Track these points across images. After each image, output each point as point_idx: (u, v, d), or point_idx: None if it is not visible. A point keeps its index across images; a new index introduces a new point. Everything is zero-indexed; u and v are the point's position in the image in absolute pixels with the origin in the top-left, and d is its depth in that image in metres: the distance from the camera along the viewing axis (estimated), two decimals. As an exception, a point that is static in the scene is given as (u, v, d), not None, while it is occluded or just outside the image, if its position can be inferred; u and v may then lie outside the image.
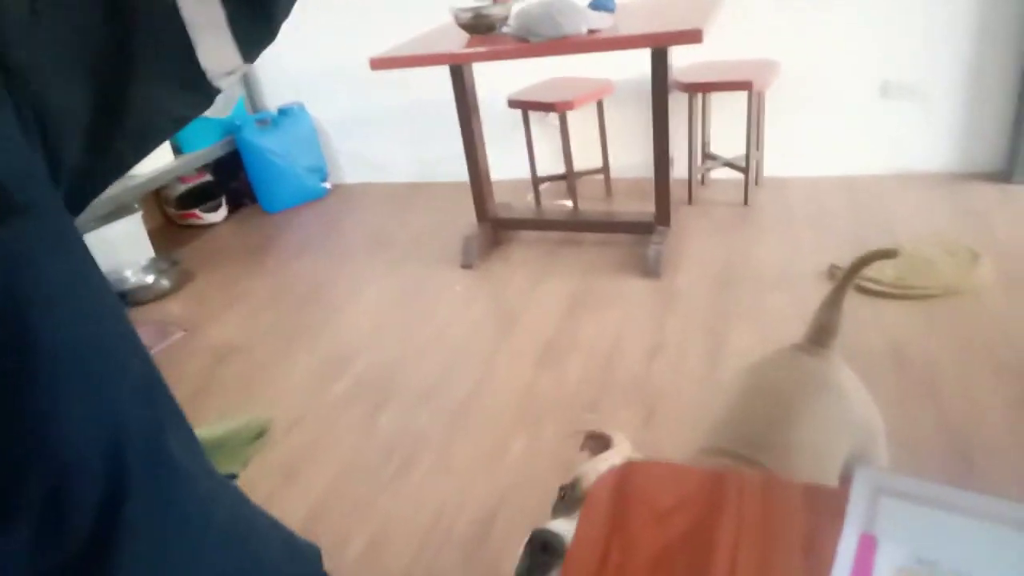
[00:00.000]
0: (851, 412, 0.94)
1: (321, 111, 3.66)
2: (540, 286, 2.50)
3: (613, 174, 3.15)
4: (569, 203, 2.99)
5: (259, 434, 1.69)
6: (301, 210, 3.56)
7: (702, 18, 2.06)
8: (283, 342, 2.41)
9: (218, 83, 0.49)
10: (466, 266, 2.69)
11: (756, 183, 2.97)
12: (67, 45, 0.42)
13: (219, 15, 0.46)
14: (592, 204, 3.04)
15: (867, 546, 0.42)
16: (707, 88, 2.64)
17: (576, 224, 2.76)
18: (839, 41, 2.74)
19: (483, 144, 2.69)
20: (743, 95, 2.69)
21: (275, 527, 0.67)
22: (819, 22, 2.73)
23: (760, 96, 2.80)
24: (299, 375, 2.21)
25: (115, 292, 0.47)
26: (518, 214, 2.84)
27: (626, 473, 0.50)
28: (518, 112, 2.97)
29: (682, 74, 2.73)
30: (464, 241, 2.71)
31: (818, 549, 0.43)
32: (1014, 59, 2.59)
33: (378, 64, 2.33)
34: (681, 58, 2.84)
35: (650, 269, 2.41)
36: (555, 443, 1.75)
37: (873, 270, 2.18)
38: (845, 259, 2.25)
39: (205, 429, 1.61)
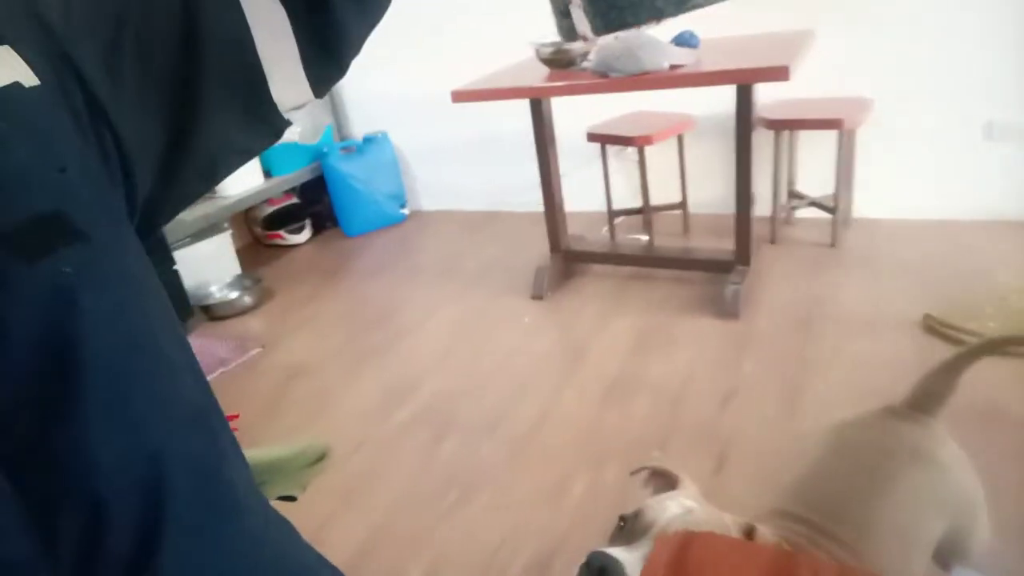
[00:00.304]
0: (949, 489, 0.83)
1: (403, 139, 3.76)
2: (610, 321, 2.45)
3: (691, 210, 3.07)
4: (644, 238, 2.94)
5: (319, 458, 1.70)
6: (379, 234, 3.65)
7: (790, 55, 1.99)
8: (351, 364, 2.45)
9: (287, 116, 0.49)
10: (536, 297, 2.67)
11: (845, 224, 2.83)
12: (145, 77, 0.43)
13: (292, 51, 0.47)
14: (668, 240, 2.98)
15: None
16: (794, 125, 2.55)
17: (650, 259, 2.70)
18: (938, 78, 2.60)
19: (559, 176, 2.69)
20: (832, 133, 2.59)
21: (323, 566, 0.66)
22: (916, 57, 2.60)
23: (851, 134, 2.68)
24: (363, 399, 2.24)
25: (179, 323, 0.47)
26: (591, 247, 2.81)
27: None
28: (596, 145, 2.96)
29: (768, 111, 2.65)
30: (536, 272, 2.70)
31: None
32: None
33: (459, 97, 2.37)
34: (767, 93, 2.76)
35: (727, 309, 2.33)
36: (618, 484, 1.69)
37: (974, 323, 2.03)
38: (941, 308, 2.11)
39: (265, 450, 1.64)
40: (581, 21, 0.35)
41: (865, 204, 2.86)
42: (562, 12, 0.37)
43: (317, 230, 3.76)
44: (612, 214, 3.06)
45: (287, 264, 3.48)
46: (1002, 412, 1.71)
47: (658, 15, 0.33)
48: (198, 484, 0.44)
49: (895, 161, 2.77)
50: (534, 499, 1.69)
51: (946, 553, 0.78)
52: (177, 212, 0.52)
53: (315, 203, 3.73)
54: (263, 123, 0.49)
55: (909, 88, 2.64)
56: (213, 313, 2.95)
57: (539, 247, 2.84)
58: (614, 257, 2.77)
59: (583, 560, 0.59)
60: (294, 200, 3.68)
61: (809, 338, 2.15)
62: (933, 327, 2.06)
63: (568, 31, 0.38)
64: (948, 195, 2.74)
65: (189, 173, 0.48)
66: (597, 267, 2.86)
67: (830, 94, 2.73)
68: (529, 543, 1.56)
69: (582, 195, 3.33)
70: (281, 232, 3.62)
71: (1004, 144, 2.60)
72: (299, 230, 3.65)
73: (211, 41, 0.44)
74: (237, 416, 2.20)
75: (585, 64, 2.29)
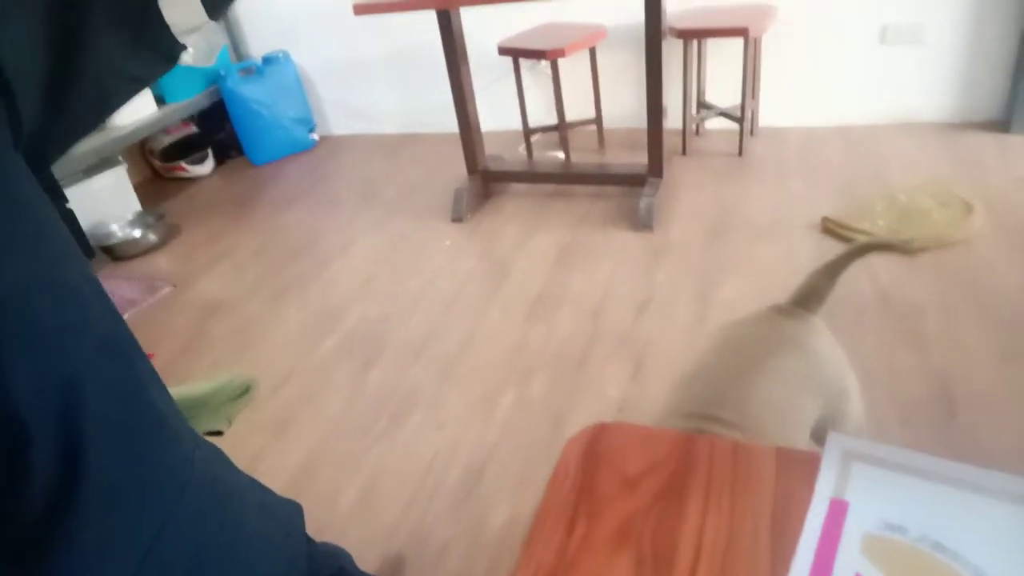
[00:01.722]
0: (821, 373, 0.92)
1: (307, 59, 3.56)
2: (531, 239, 2.48)
3: (606, 124, 3.09)
4: (561, 155, 2.95)
5: (243, 391, 1.69)
6: (288, 162, 3.51)
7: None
8: (271, 297, 2.40)
9: (184, 40, 0.47)
10: (456, 219, 2.66)
11: (752, 133, 2.92)
12: None
13: None
14: (585, 156, 3.00)
15: (837, 511, 0.41)
16: (702, 34, 2.57)
17: (568, 176, 2.72)
18: (839, -16, 2.66)
19: (472, 94, 2.63)
20: (739, 42, 2.62)
21: (256, 488, 0.67)
22: (819, -36, 2.64)
23: (756, 43, 2.72)
24: (288, 330, 2.21)
25: (81, 254, 0.46)
26: (509, 166, 2.80)
27: (597, 435, 0.50)
28: (509, 60, 2.89)
29: (677, 20, 2.65)
30: (454, 194, 2.68)
31: (789, 514, 0.42)
32: (1016, 7, 2.51)
33: (361, 9, 2.25)
34: (676, 3, 2.75)
35: (642, 221, 2.39)
36: (543, 395, 1.76)
37: (867, 222, 2.17)
38: (838, 210, 2.24)
39: (188, 387, 1.61)
40: None
41: (771, 113, 2.96)
42: None
43: (221, 160, 3.57)
44: (528, 132, 3.04)
45: (191, 198, 3.31)
46: (889, 302, 1.87)
47: None
48: (118, 407, 0.44)
49: (797, 70, 2.85)
50: (464, 415, 1.75)
51: (822, 432, 0.87)
52: (69, 145, 0.50)
53: (216, 131, 3.53)
54: (154, 48, 0.46)
55: (811, -6, 2.70)
56: (116, 253, 2.80)
57: (458, 169, 2.81)
58: (532, 176, 2.77)
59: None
60: (193, 129, 3.46)
61: (718, 245, 2.25)
62: (830, 228, 2.20)
63: None
64: (847, 101, 2.86)
65: (77, 101, 0.46)
66: (516, 186, 2.86)
67: (736, 2, 2.75)
68: (461, 456, 1.62)
69: (498, 113, 3.28)
70: (182, 164, 3.42)
71: (897, 47, 2.71)
72: (201, 160, 3.45)
73: None
74: (152, 356, 2.13)
75: (493, -26, 2.20)
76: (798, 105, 2.92)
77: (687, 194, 2.58)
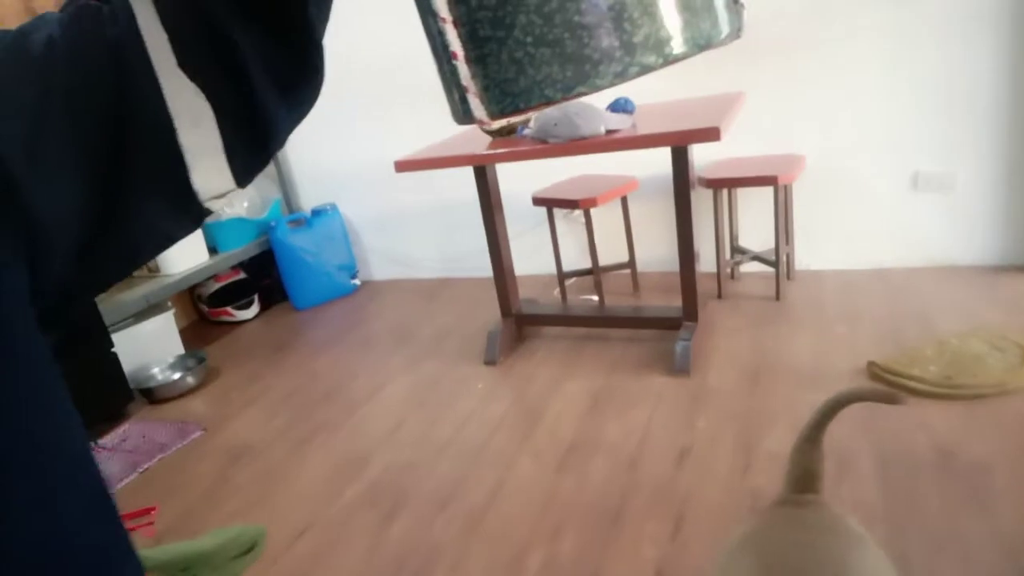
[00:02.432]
0: (877, 556, 0.79)
1: (353, 211, 3.76)
2: (564, 384, 2.42)
3: (640, 268, 3.11)
4: (595, 298, 2.95)
5: (250, 547, 1.61)
6: (329, 306, 3.60)
7: (720, 116, 2.07)
8: (298, 443, 2.36)
9: (208, 205, 0.48)
10: (489, 363, 2.64)
11: (789, 277, 2.90)
12: (66, 156, 0.41)
13: (216, 141, 0.45)
14: (619, 299, 3.00)
15: None
16: (730, 184, 2.63)
17: (601, 320, 2.70)
18: (867, 133, 2.73)
19: (506, 240, 2.70)
20: (769, 189, 2.67)
21: None
22: (846, 115, 2.73)
23: (786, 190, 2.77)
24: (310, 479, 2.14)
25: (75, 413, 0.44)
26: (542, 310, 2.81)
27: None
28: (543, 210, 3.00)
29: (706, 171, 2.74)
30: (487, 337, 2.67)
31: None
32: (1048, 150, 2.53)
33: (403, 167, 2.38)
34: (705, 155, 2.85)
35: (678, 365, 2.32)
36: (574, 554, 1.63)
37: (917, 368, 2.06)
38: (883, 355, 2.15)
39: (189, 543, 1.54)
40: (477, 107, 0.35)
41: (807, 257, 2.94)
42: (459, 98, 0.37)
43: (266, 305, 3.69)
44: (562, 276, 3.08)
45: (234, 341, 3.39)
46: (949, 459, 1.72)
47: (547, 100, 0.33)
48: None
49: (830, 215, 2.87)
50: (489, 576, 1.62)
51: None
52: (90, 300, 0.50)
53: (264, 278, 3.67)
54: (184, 211, 0.47)
55: (839, 144, 2.77)
56: (154, 396, 2.83)
57: (492, 312, 2.83)
58: (565, 319, 2.77)
59: None
60: (241, 275, 3.61)
61: (759, 391, 2.15)
62: (878, 374, 2.09)
63: (463, 115, 0.37)
64: (883, 244, 2.83)
65: (109, 258, 0.47)
66: (550, 329, 2.85)
67: (764, 152, 2.84)
68: (484, 625, 1.48)
69: (532, 259, 3.36)
70: (228, 308, 3.54)
71: (930, 193, 2.72)
72: (247, 306, 3.57)
73: (136, 125, 0.43)
74: (155, 509, 2.09)
75: (525, 131, 2.34)
76: (835, 249, 2.91)
77: (724, 339, 2.52)
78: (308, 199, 3.83)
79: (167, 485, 2.24)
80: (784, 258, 2.79)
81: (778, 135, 2.84)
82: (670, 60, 0.31)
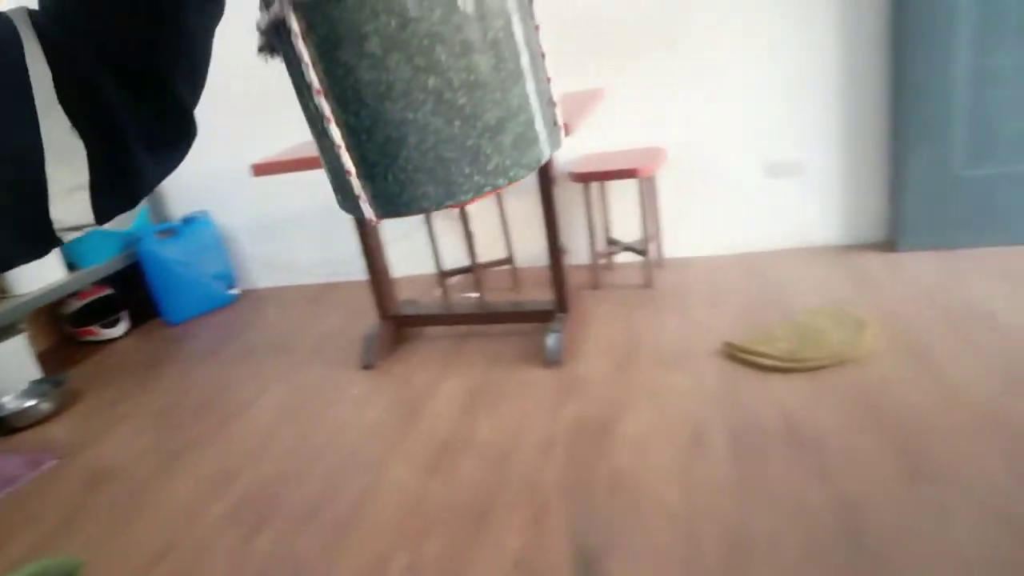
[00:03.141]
0: None
1: (229, 217, 3.61)
2: (442, 383, 2.42)
3: (520, 264, 3.15)
4: (476, 295, 2.97)
5: (68, 578, 1.52)
6: (206, 319, 3.45)
7: (573, 114, 2.12)
8: (165, 462, 2.25)
9: (61, 235, 0.47)
10: (366, 367, 2.60)
11: (658, 265, 3.01)
12: None
13: (83, 179, 0.45)
14: (499, 295, 3.02)
15: None
16: (595, 177, 2.70)
17: (477, 316, 2.72)
18: (723, 125, 2.86)
19: (379, 243, 2.67)
20: (636, 181, 2.76)
21: None
22: (704, 109, 2.85)
23: (650, 182, 2.87)
24: (176, 498, 2.05)
25: None
26: (420, 310, 2.79)
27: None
28: (419, 209, 2.98)
29: (574, 166, 2.80)
30: (364, 341, 2.63)
31: None
32: (885, 137, 2.73)
33: (261, 170, 2.31)
34: (574, 150, 2.92)
35: (550, 357, 2.37)
36: (438, 558, 1.63)
37: (766, 345, 2.18)
38: (740, 335, 2.26)
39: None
40: (367, 210, 0.42)
41: (675, 245, 3.06)
42: (350, 202, 0.43)
43: (137, 322, 3.49)
44: (443, 275, 3.07)
45: (101, 362, 3.19)
46: (792, 429, 1.83)
47: (424, 211, 0.41)
48: None
49: (695, 203, 3.00)
50: (352, 584, 1.59)
51: None
52: None
53: (133, 292, 3.47)
54: (33, 238, 0.46)
55: (699, 136, 2.89)
56: (7, 426, 2.62)
57: (374, 316, 2.78)
58: (443, 318, 2.76)
59: None
60: (107, 291, 3.40)
61: (623, 377, 2.22)
62: (733, 354, 2.20)
63: (353, 211, 0.43)
64: (744, 231, 2.99)
65: None
66: (432, 329, 2.84)
67: (630, 146, 2.93)
68: (343, 635, 1.45)
69: (415, 259, 3.33)
70: (93, 327, 3.32)
71: (784, 180, 2.89)
72: (114, 323, 3.37)
73: (4, 145, 0.42)
74: None
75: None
76: (700, 236, 3.04)
77: (598, 328, 2.59)
78: (178, 207, 3.65)
79: (18, 518, 2.08)
80: (654, 247, 2.89)
81: (643, 129, 2.94)
82: (513, 180, 0.42)
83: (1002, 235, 2.59)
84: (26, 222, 0.45)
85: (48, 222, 0.45)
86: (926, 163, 2.61)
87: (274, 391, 2.60)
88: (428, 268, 3.24)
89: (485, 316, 2.70)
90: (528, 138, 0.42)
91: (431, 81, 0.37)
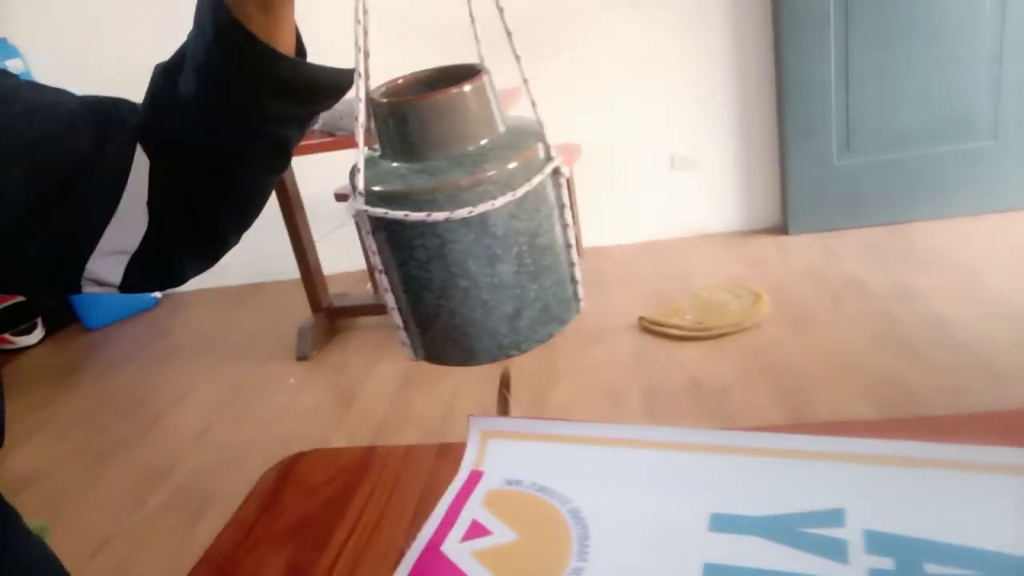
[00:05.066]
0: None
1: (146, 221, 3.56)
2: (377, 367, 2.51)
3: (446, 257, 3.27)
4: (404, 288, 3.06)
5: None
6: (127, 323, 3.38)
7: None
8: (93, 462, 2.23)
9: (84, 285, 0.51)
10: (301, 358, 2.65)
11: (579, 254, 3.20)
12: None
13: (130, 248, 0.51)
14: (427, 287, 3.13)
15: (472, 479, 0.48)
16: (516, 170, 2.87)
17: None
18: (630, 122, 3.09)
19: (311, 238, 2.73)
20: (551, 175, 2.94)
21: None
22: (612, 106, 3.07)
23: (568, 175, 3.06)
24: (110, 493, 2.05)
25: None
26: (352, 301, 2.87)
27: (292, 462, 0.54)
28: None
29: (495, 160, 2.95)
30: (298, 332, 2.69)
31: (437, 493, 0.48)
32: (772, 130, 3.04)
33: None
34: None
35: (479, 340, 2.50)
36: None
37: (675, 317, 2.40)
38: (650, 310, 2.47)
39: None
40: (408, 351, 0.51)
41: (594, 235, 3.27)
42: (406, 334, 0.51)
43: (52, 328, 3.38)
44: (372, 269, 3.15)
45: (15, 370, 3.08)
46: (698, 386, 2.05)
47: (452, 365, 0.49)
48: None
49: (608, 196, 3.21)
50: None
51: None
52: None
53: (47, 298, 3.36)
54: (58, 274, 0.51)
55: (609, 133, 3.11)
56: (-86, 438, 2.51)
57: (304, 313, 2.84)
58: (375, 308, 2.85)
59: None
60: (18, 298, 3.28)
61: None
62: (646, 327, 2.41)
63: (403, 344, 0.51)
64: (652, 220, 3.23)
65: None
66: (364, 320, 2.92)
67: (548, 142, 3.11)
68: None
69: (344, 256, 3.39)
70: (5, 335, 3.20)
71: (685, 172, 3.15)
72: (29, 330, 3.25)
73: (91, 188, 0.47)
74: None
75: (315, 126, 2.39)
76: (614, 227, 3.26)
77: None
78: (93, 212, 3.56)
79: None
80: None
81: (558, 127, 3.11)
82: (523, 352, 0.49)
83: (870, 216, 2.93)
84: (64, 260, 0.49)
85: (82, 268, 0.49)
86: (808, 154, 2.92)
87: (204, 389, 2.61)
88: (356, 265, 3.32)
89: (415, 305, 2.80)
90: (541, 319, 0.49)
91: (462, 283, 0.45)
